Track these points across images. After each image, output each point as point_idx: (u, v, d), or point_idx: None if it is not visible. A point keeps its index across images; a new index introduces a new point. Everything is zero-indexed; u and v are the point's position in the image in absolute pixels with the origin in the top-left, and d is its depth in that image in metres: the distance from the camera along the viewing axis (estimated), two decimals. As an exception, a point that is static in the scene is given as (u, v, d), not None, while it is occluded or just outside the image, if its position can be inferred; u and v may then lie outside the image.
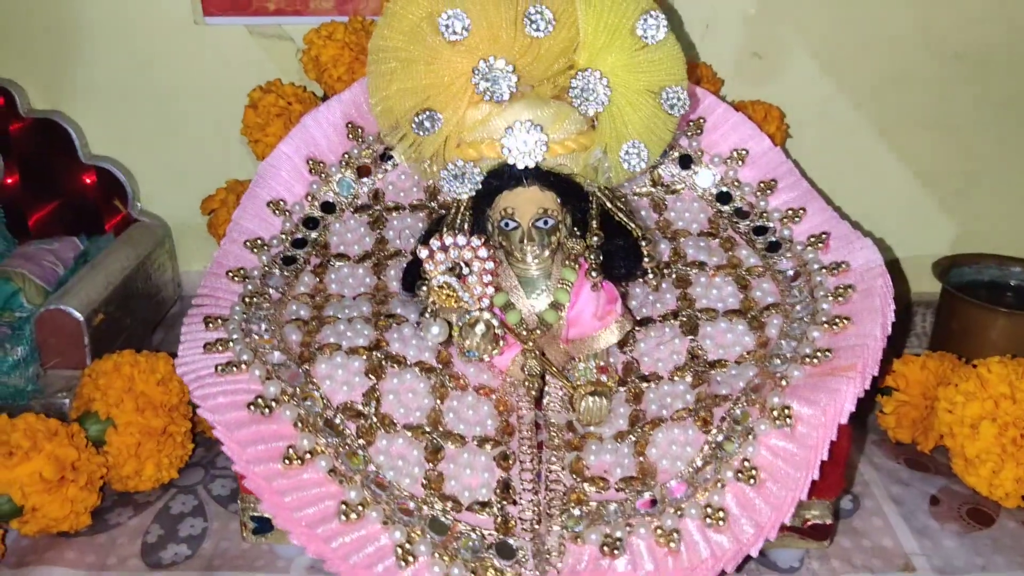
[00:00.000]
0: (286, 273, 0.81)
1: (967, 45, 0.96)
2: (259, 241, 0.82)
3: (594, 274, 0.70)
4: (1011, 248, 0.98)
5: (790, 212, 0.82)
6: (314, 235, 0.84)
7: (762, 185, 0.84)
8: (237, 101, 0.95)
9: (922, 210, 1.03)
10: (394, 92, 0.69)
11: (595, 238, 0.71)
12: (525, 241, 0.70)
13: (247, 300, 0.76)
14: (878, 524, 0.75)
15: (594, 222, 0.72)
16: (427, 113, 0.68)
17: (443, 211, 0.84)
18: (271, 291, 0.78)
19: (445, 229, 0.70)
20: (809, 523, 0.69)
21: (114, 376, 0.76)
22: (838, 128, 0.99)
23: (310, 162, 0.85)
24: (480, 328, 0.69)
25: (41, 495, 0.70)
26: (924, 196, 1.02)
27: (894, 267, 1.01)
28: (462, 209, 0.72)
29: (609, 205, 0.73)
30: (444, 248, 0.67)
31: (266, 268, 0.80)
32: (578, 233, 0.73)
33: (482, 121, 0.69)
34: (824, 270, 0.76)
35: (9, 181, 0.98)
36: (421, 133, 0.69)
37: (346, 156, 0.85)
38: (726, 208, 0.85)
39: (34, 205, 1.00)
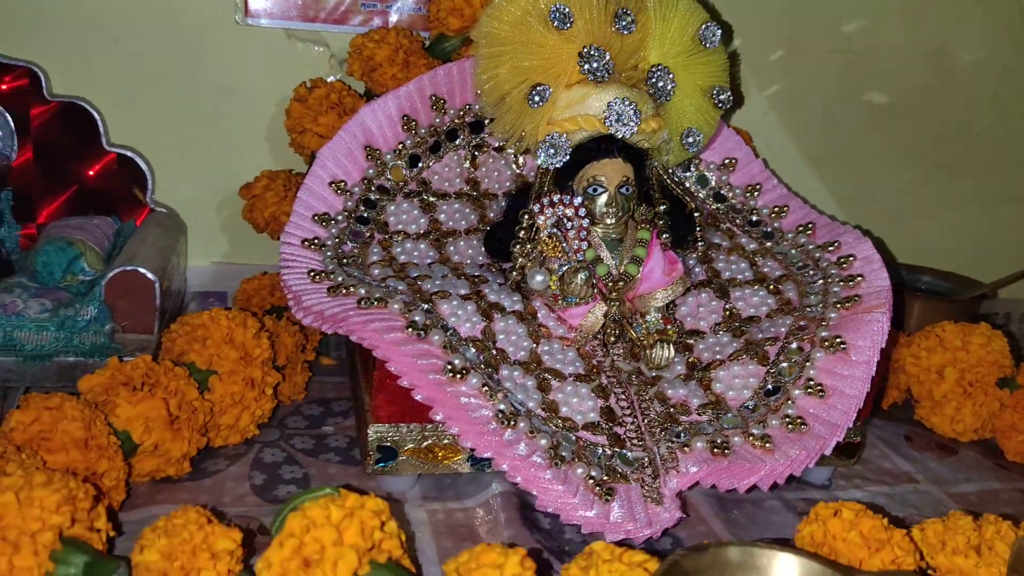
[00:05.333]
0: (355, 245, 0.87)
1: (876, 95, 1.20)
2: (327, 215, 0.88)
3: (665, 235, 0.83)
4: (901, 258, 1.22)
5: (776, 209, 0.98)
6: (374, 214, 0.90)
7: (749, 188, 1.01)
8: (264, 99, 1.02)
9: (840, 229, 1.24)
10: (504, 71, 0.80)
11: (662, 206, 0.84)
12: (611, 204, 0.81)
13: (338, 261, 0.82)
14: (876, 453, 0.91)
15: (657, 194, 0.84)
16: (539, 88, 0.79)
17: (484, 199, 0.94)
18: (351, 257, 0.84)
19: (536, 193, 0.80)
20: (845, 441, 0.83)
21: (212, 327, 0.78)
22: (779, 157, 1.19)
23: (367, 149, 0.92)
24: (582, 275, 0.79)
25: (164, 432, 0.70)
26: (841, 217, 1.24)
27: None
28: (548, 178, 0.83)
29: (668, 180, 0.86)
30: (552, 204, 0.78)
31: (337, 239, 0.86)
32: (642, 204, 0.85)
33: (580, 99, 0.80)
34: (819, 249, 0.92)
35: (17, 162, 0.97)
36: (533, 105, 0.79)
37: (400, 146, 0.93)
38: (722, 206, 1.00)
39: (46, 191, 0.98)
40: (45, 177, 0.98)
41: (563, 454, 0.69)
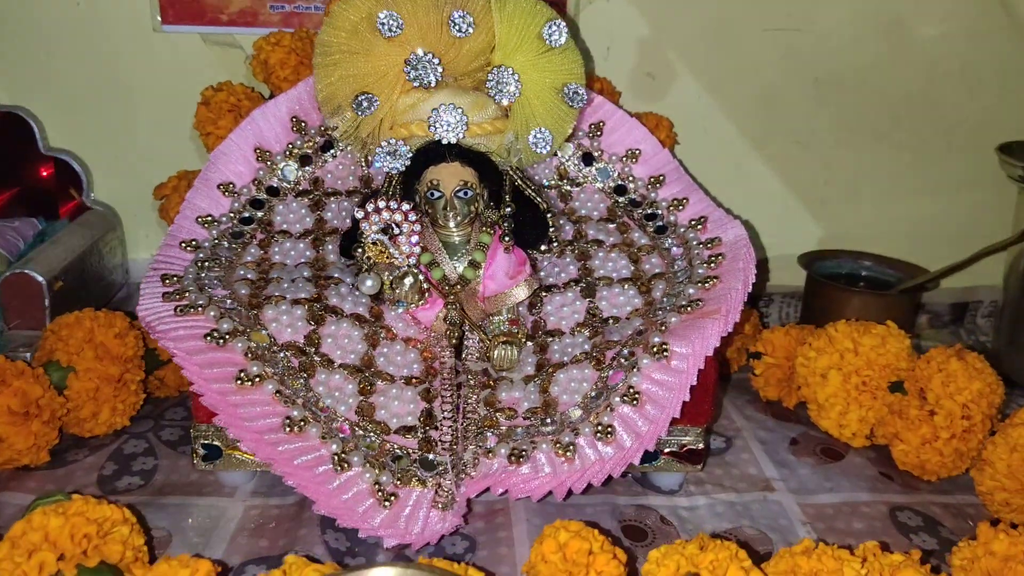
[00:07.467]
0: (234, 245, 0.91)
1: (825, 72, 1.13)
2: (210, 217, 0.92)
3: (507, 238, 0.82)
4: (863, 246, 1.16)
5: (675, 201, 0.96)
6: (260, 214, 0.94)
7: (652, 180, 0.98)
8: (188, 101, 1.06)
9: (790, 215, 1.19)
10: (337, 79, 0.81)
11: (508, 209, 0.83)
12: (448, 208, 0.82)
13: (199, 264, 0.86)
14: (746, 457, 0.88)
15: (507, 196, 0.84)
16: (366, 96, 0.80)
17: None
18: (221, 258, 0.88)
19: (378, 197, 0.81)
20: (685, 448, 0.81)
21: (76, 328, 0.84)
22: (719, 141, 1.15)
23: (257, 151, 0.95)
24: (408, 280, 0.80)
25: (7, 427, 0.77)
26: (791, 203, 1.18)
27: (762, 265, 1.16)
28: (393, 183, 0.84)
29: (520, 182, 0.85)
30: (378, 210, 0.79)
31: (215, 241, 0.90)
32: (493, 206, 0.85)
33: (412, 105, 0.81)
34: (701, 244, 0.89)
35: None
36: (360, 113, 0.81)
37: (290, 146, 0.96)
38: (622, 199, 0.98)
39: (-8, 192, 1.08)
40: (-10, 181, 1.08)
41: (352, 459, 0.72)
